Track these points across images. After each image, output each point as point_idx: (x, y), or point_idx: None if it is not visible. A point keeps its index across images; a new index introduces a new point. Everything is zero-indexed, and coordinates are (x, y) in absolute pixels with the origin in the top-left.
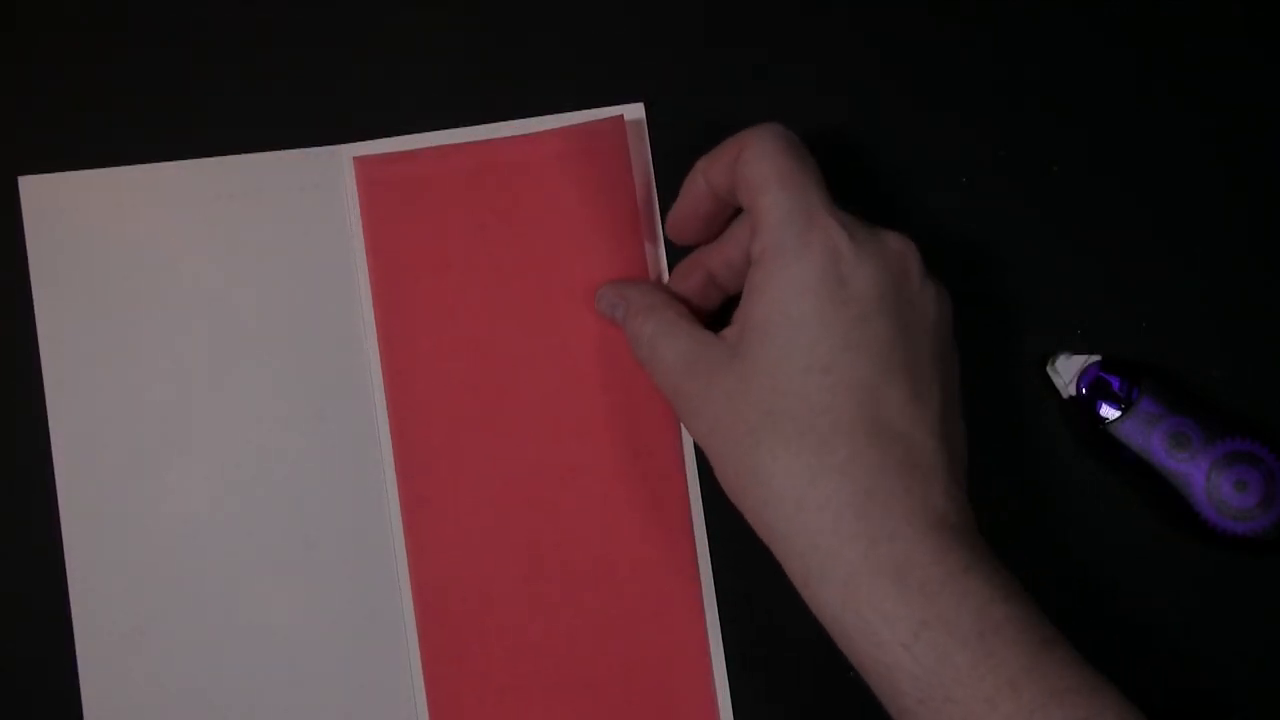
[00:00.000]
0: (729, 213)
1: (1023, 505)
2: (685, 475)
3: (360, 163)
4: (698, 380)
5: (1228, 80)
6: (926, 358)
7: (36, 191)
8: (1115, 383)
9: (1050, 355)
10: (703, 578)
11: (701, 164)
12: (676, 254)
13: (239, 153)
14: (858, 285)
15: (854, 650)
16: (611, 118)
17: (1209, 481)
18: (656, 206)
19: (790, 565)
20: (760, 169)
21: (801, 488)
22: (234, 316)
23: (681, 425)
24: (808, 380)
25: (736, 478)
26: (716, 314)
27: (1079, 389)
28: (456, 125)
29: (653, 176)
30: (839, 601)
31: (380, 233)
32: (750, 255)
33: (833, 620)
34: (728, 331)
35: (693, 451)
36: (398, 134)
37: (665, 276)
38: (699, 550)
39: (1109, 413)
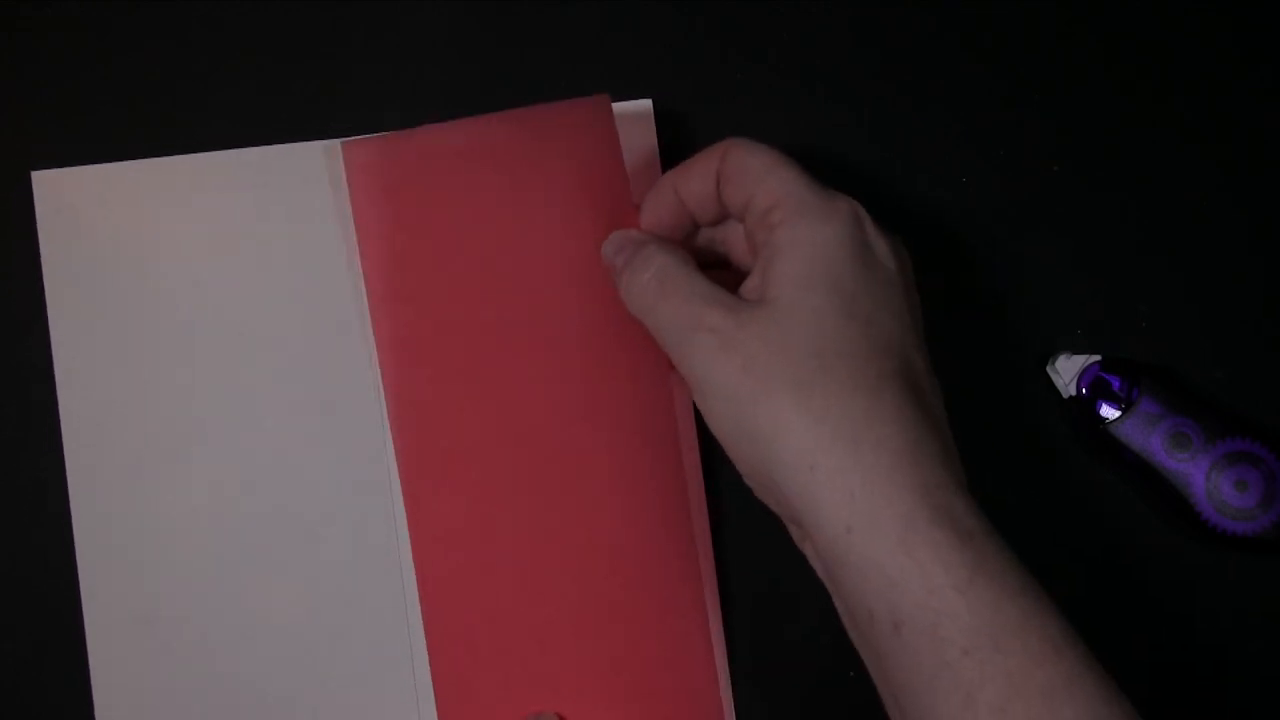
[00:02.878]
0: (688, 228)
1: (1023, 505)
2: (688, 460)
3: (349, 148)
4: (724, 314)
5: (1229, 81)
6: (924, 343)
7: (49, 186)
8: (1115, 383)
9: (1050, 355)
10: (705, 561)
11: (670, 176)
12: None
13: (241, 147)
14: (880, 254)
15: (895, 601)
16: (596, 97)
17: (1209, 481)
18: None
19: (833, 510)
20: (758, 159)
21: (857, 428)
22: (238, 309)
23: (693, 403)
24: (854, 328)
25: (774, 421)
26: None
27: (1079, 389)
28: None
29: (660, 169)
30: (890, 544)
31: (372, 218)
32: (768, 221)
33: (876, 567)
34: (742, 290)
35: (695, 436)
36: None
37: None
38: (701, 534)
39: (1109, 413)
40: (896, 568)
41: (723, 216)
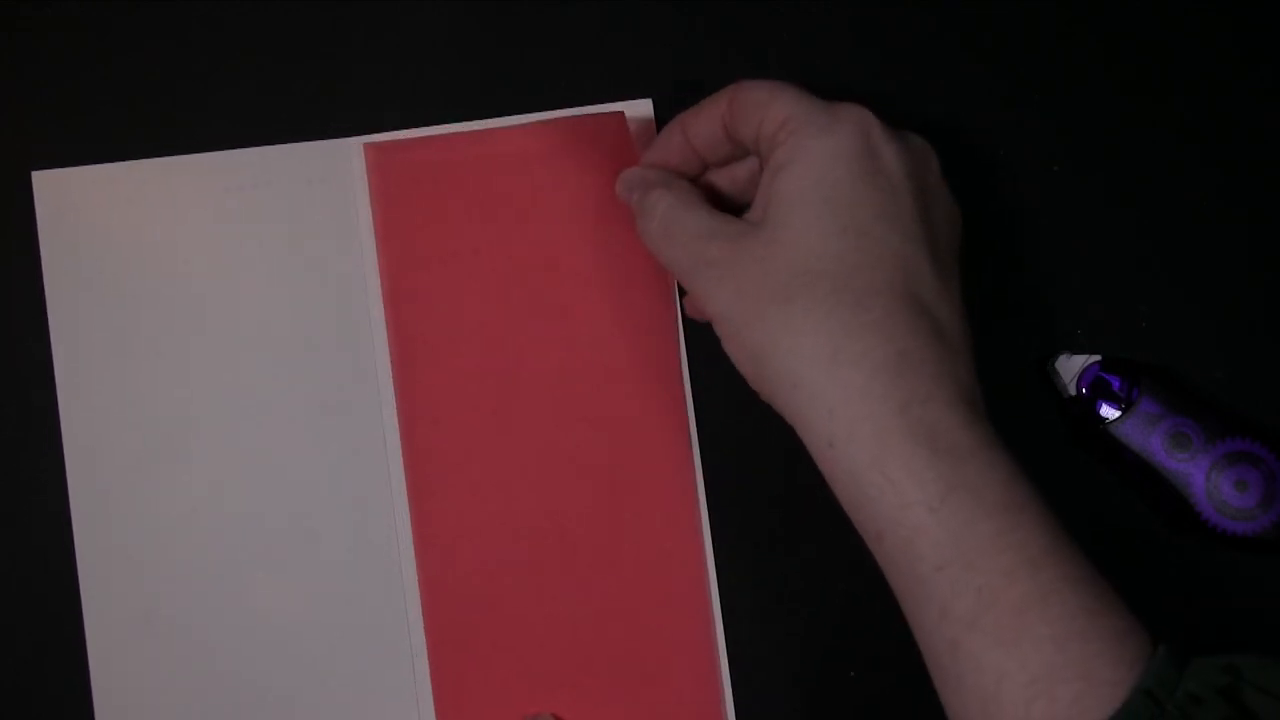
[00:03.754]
0: (696, 169)
1: None
2: (691, 464)
3: (371, 149)
4: (722, 246)
5: (1229, 81)
6: (945, 248)
7: (49, 186)
8: (1115, 383)
9: (1050, 355)
10: (707, 565)
11: (681, 119)
12: None
13: (241, 147)
14: (887, 161)
15: (874, 514)
16: (613, 113)
17: (1209, 481)
18: None
19: (815, 425)
20: (762, 90)
21: (837, 342)
22: (245, 309)
23: (696, 409)
24: (844, 242)
25: (764, 340)
26: None
27: (1079, 389)
28: (464, 121)
29: None
30: (866, 460)
31: (390, 219)
32: (774, 142)
33: (855, 481)
34: (748, 214)
35: (698, 440)
36: (406, 129)
37: None
38: (703, 538)
39: (1109, 413)
40: (872, 484)
41: (732, 157)
